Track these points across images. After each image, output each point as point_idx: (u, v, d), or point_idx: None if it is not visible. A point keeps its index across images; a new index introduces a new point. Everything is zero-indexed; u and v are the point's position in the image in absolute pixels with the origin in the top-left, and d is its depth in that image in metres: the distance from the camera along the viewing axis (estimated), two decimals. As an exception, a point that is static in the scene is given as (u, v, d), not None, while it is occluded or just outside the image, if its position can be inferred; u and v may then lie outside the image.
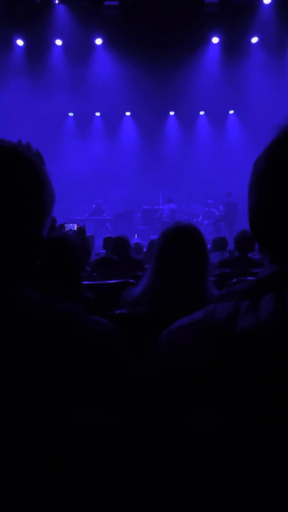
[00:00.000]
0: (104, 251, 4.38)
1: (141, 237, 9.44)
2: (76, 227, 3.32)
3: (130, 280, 2.19)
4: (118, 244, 2.95)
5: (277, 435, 0.41)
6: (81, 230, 3.15)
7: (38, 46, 9.97)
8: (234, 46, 10.09)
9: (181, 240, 1.29)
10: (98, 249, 5.89)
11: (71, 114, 11.57)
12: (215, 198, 10.52)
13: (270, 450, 0.41)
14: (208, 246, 4.61)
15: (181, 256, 1.28)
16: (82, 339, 0.56)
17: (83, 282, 2.13)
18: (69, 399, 0.53)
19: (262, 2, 9.26)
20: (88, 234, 5.91)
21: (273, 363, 0.42)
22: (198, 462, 0.43)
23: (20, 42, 10.10)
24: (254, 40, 10.26)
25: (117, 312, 1.31)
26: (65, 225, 3.48)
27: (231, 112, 11.67)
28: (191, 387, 0.49)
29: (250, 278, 2.35)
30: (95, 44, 10.40)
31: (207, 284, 1.31)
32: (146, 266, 3.43)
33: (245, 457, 0.41)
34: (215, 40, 10.30)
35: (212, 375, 0.46)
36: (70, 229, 3.37)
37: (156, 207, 10.48)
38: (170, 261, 1.29)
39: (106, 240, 4.11)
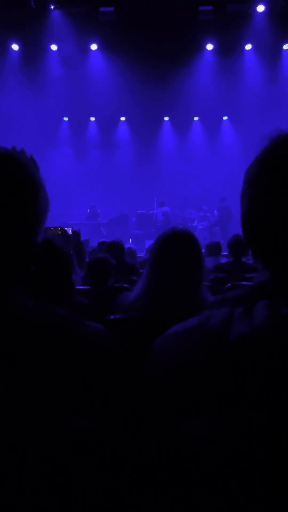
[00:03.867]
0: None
1: (135, 241, 9.44)
2: (70, 231, 3.31)
3: (125, 285, 2.19)
4: (112, 249, 2.95)
5: (272, 439, 0.41)
6: (76, 234, 3.13)
7: (33, 51, 9.99)
8: (228, 53, 10.20)
9: (177, 245, 1.30)
10: (93, 254, 5.86)
11: (66, 118, 11.59)
12: (209, 203, 10.58)
13: (265, 455, 0.41)
14: (202, 251, 4.62)
15: (177, 261, 1.28)
16: (78, 345, 0.56)
17: (77, 287, 2.12)
18: (65, 406, 0.53)
19: (256, 10, 9.38)
20: (82, 238, 5.90)
21: (268, 369, 0.43)
22: (193, 467, 0.43)
23: (15, 47, 10.12)
24: (248, 47, 10.38)
25: (112, 317, 1.31)
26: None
27: (225, 118, 11.77)
28: (186, 393, 0.49)
29: (244, 283, 2.36)
30: (90, 50, 10.46)
31: (202, 290, 1.31)
32: (141, 270, 3.43)
33: (240, 462, 0.42)
34: (209, 46, 10.40)
35: (207, 381, 0.46)
36: (62, 227, 3.34)
37: (151, 211, 10.51)
38: (165, 266, 1.30)
39: (101, 245, 4.10)
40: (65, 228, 3.39)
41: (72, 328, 0.57)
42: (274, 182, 0.53)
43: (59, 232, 2.94)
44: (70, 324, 0.57)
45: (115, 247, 2.96)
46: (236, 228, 9.44)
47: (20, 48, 10.13)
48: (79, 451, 0.50)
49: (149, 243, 7.69)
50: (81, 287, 2.14)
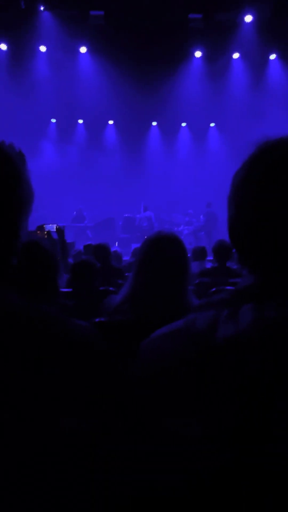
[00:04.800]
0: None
1: (122, 245, 9.43)
2: (55, 228, 3.29)
3: (110, 288, 2.19)
4: (98, 252, 2.94)
5: (258, 440, 0.42)
6: (60, 230, 3.12)
7: (22, 51, 9.93)
8: (216, 61, 10.35)
9: (163, 249, 1.30)
10: (78, 257, 5.83)
11: (53, 120, 11.54)
12: (195, 208, 10.66)
13: (252, 456, 0.42)
14: (188, 255, 4.66)
15: (162, 265, 1.29)
16: (64, 341, 0.55)
17: (62, 290, 2.11)
18: (51, 404, 0.52)
19: (244, 20, 9.56)
20: (68, 241, 5.86)
21: (254, 371, 0.43)
22: (181, 468, 0.43)
23: (3, 47, 10.03)
24: (236, 55, 10.56)
25: (97, 320, 1.31)
26: (44, 226, 3.43)
27: (212, 125, 11.91)
28: (173, 395, 0.49)
29: (228, 287, 2.39)
30: (80, 52, 10.45)
31: (187, 293, 1.32)
32: (126, 274, 3.43)
33: (228, 462, 0.42)
34: (198, 54, 10.53)
35: (193, 382, 0.47)
36: (49, 231, 3.33)
37: (137, 215, 10.53)
38: (151, 269, 1.30)
39: (87, 248, 4.08)
40: (50, 225, 3.37)
41: (58, 324, 0.56)
42: (260, 187, 0.54)
43: (46, 236, 2.92)
44: (56, 320, 0.57)
45: (101, 251, 2.95)
46: (221, 233, 9.54)
47: (8, 48, 10.05)
48: (66, 450, 0.49)
49: (135, 246, 7.69)
50: (65, 289, 2.13)
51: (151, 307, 1.27)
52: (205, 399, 0.45)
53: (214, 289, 2.36)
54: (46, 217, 9.59)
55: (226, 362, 0.44)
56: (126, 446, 0.51)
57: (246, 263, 0.57)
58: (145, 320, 1.26)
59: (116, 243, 9.75)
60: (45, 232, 2.97)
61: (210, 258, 4.63)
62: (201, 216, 10.29)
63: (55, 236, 3.32)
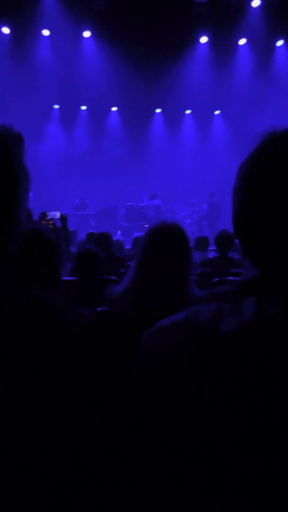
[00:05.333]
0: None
1: (124, 234, 9.41)
2: (58, 215, 3.26)
3: (112, 277, 2.19)
4: (101, 241, 2.93)
5: (260, 435, 0.42)
6: (64, 218, 3.11)
7: (25, 35, 9.76)
8: (222, 47, 10.15)
9: (166, 240, 1.30)
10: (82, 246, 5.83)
11: (56, 106, 11.41)
12: (198, 197, 10.60)
13: (254, 451, 0.42)
14: (191, 244, 4.64)
15: (165, 255, 1.29)
16: (64, 330, 0.55)
17: (64, 278, 2.11)
18: (49, 397, 0.52)
19: (251, 5, 9.34)
20: (70, 229, 5.84)
21: (255, 366, 0.43)
22: (181, 464, 0.44)
23: (6, 30, 9.87)
24: (242, 41, 10.36)
25: (99, 309, 1.31)
26: (47, 213, 3.41)
27: (217, 112, 11.75)
28: (174, 387, 0.49)
29: (230, 278, 2.39)
30: (83, 37, 10.27)
31: (189, 284, 1.32)
32: (129, 263, 3.43)
33: (229, 459, 0.42)
34: (203, 39, 10.34)
35: (195, 375, 0.47)
36: (52, 218, 3.31)
37: (140, 204, 10.48)
38: (153, 259, 1.30)
39: (89, 236, 4.08)
40: (53, 213, 3.34)
41: (57, 312, 0.55)
42: (266, 179, 0.54)
43: (51, 226, 2.90)
44: (55, 308, 0.56)
45: (103, 239, 2.94)
46: (224, 223, 9.49)
47: (11, 32, 9.88)
48: (65, 447, 0.50)
49: (137, 235, 7.67)
50: (68, 278, 2.13)
51: (153, 297, 1.27)
52: (206, 392, 0.45)
53: (216, 279, 2.36)
54: (48, 204, 9.58)
55: (228, 356, 0.44)
56: (126, 443, 0.52)
57: (250, 255, 0.57)
58: (147, 310, 1.26)
59: (119, 232, 9.74)
60: (51, 222, 2.95)
61: (212, 248, 4.62)
62: (204, 206, 10.23)
63: (58, 223, 3.31)
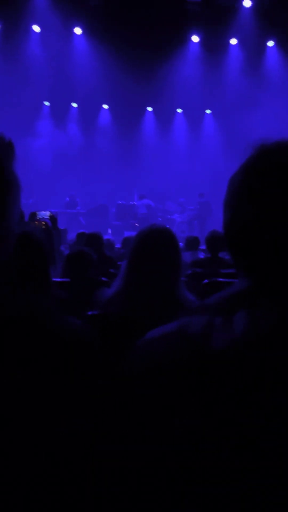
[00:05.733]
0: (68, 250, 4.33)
1: (114, 232, 9.39)
2: (48, 215, 3.25)
3: (103, 278, 2.18)
4: (91, 241, 2.92)
5: (255, 451, 0.42)
6: (53, 218, 3.09)
7: (15, 31, 9.64)
8: (213, 46, 10.18)
9: (155, 243, 1.30)
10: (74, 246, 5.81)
11: (47, 103, 11.31)
12: (188, 196, 10.62)
13: (244, 466, 0.42)
14: (181, 244, 4.66)
15: (155, 259, 1.29)
16: (58, 338, 0.55)
17: (54, 279, 2.10)
18: (39, 403, 0.52)
19: (242, 5, 9.39)
20: (61, 227, 5.81)
21: (247, 382, 0.44)
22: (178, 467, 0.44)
23: (-5, 25, 9.75)
24: (233, 41, 10.40)
25: (90, 313, 1.31)
26: (37, 213, 3.39)
27: (208, 111, 11.79)
28: (166, 400, 0.49)
29: (221, 279, 2.40)
30: (75, 34, 10.19)
31: (179, 287, 1.33)
32: (119, 263, 3.42)
33: (220, 473, 0.43)
34: (195, 39, 10.35)
35: (187, 389, 0.47)
36: (43, 217, 3.29)
37: (131, 202, 10.46)
38: (143, 263, 1.30)
39: (80, 236, 4.06)
40: (43, 213, 3.32)
41: (48, 320, 0.55)
42: (257, 192, 0.54)
43: (44, 226, 2.88)
44: (47, 315, 0.56)
45: (94, 240, 2.94)
46: (214, 223, 9.54)
47: (1, 27, 9.76)
48: (60, 452, 0.50)
49: (128, 234, 7.66)
50: (59, 279, 2.12)
51: (144, 301, 1.28)
52: (197, 406, 0.45)
53: (206, 280, 2.37)
54: (39, 202, 9.50)
55: (220, 372, 0.44)
56: (118, 447, 0.52)
57: (241, 266, 0.57)
58: (137, 313, 1.26)
59: (109, 230, 9.71)
60: (43, 223, 2.93)
61: (203, 247, 4.64)
62: (194, 205, 10.25)
63: (49, 223, 3.28)
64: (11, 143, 0.56)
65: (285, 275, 0.51)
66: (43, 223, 2.92)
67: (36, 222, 2.93)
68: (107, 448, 0.54)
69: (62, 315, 0.58)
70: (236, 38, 10.27)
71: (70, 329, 0.56)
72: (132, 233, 7.89)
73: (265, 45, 10.38)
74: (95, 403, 0.55)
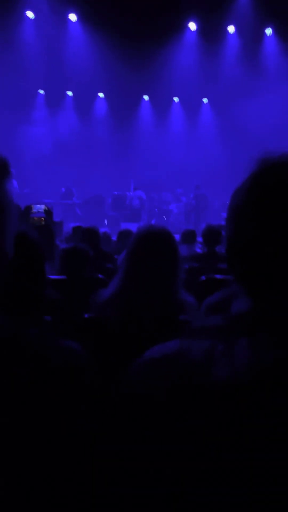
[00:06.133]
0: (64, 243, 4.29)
1: (111, 223, 9.35)
2: (43, 209, 3.21)
3: (99, 276, 2.16)
4: (87, 236, 2.89)
5: (255, 485, 0.41)
6: (49, 212, 3.05)
7: (8, 17, 9.42)
8: (211, 34, 10.02)
9: (153, 245, 1.28)
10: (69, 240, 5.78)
11: (41, 91, 11.13)
12: (185, 186, 10.57)
13: (245, 502, 0.41)
14: (178, 236, 4.64)
15: (153, 261, 1.27)
16: (49, 367, 0.54)
17: (50, 277, 2.08)
18: (31, 431, 0.51)
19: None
20: (56, 219, 5.75)
21: (246, 414, 0.42)
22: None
23: (-12, 11, 9.50)
24: (231, 29, 10.23)
25: (86, 316, 1.29)
26: (32, 206, 3.35)
27: (205, 100, 11.66)
28: (163, 426, 0.48)
29: (217, 276, 2.39)
30: (70, 20, 9.98)
31: (177, 289, 1.31)
32: (115, 256, 3.40)
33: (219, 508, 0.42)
34: (192, 26, 10.17)
35: (183, 418, 0.46)
36: (38, 211, 3.25)
37: (127, 193, 10.40)
38: (141, 265, 1.28)
39: (76, 229, 4.02)
40: (38, 206, 3.29)
41: (44, 351, 0.55)
42: (260, 210, 0.52)
43: (43, 222, 2.83)
44: (42, 347, 0.55)
45: (90, 236, 2.90)
46: (211, 214, 9.52)
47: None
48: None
49: (124, 225, 7.63)
50: (56, 276, 2.10)
51: (142, 304, 1.26)
52: (193, 436, 0.44)
53: (203, 277, 2.36)
54: (34, 193, 9.42)
55: (219, 403, 0.43)
56: (113, 474, 0.51)
57: (243, 285, 0.55)
58: (135, 317, 1.25)
59: (105, 221, 9.67)
60: (42, 219, 2.88)
61: (199, 239, 4.62)
62: (191, 196, 10.20)
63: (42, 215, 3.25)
64: (6, 164, 0.54)
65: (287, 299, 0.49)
66: (42, 219, 2.88)
67: (35, 219, 2.89)
68: (101, 474, 0.53)
69: (52, 338, 0.57)
70: (234, 26, 10.11)
71: (59, 354, 0.56)
72: (128, 225, 7.87)
73: (263, 33, 10.24)
74: (86, 428, 0.54)
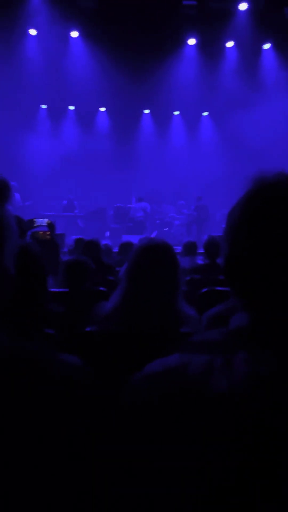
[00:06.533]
0: (67, 255, 4.29)
1: (113, 235, 9.38)
2: (46, 222, 3.22)
3: (101, 288, 2.17)
4: (89, 249, 2.91)
5: (257, 496, 0.42)
6: (51, 225, 3.07)
7: (11, 34, 9.62)
8: (210, 49, 10.20)
9: (154, 258, 1.29)
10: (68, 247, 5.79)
11: (44, 106, 11.31)
12: (186, 198, 10.64)
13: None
14: (179, 248, 4.66)
15: (153, 274, 1.28)
16: (50, 383, 0.55)
17: (52, 290, 2.09)
18: (36, 445, 0.52)
19: (238, 8, 9.41)
20: (59, 231, 5.78)
21: (244, 426, 0.43)
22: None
23: (-8, 29, 9.72)
24: (230, 44, 10.42)
25: (88, 329, 1.30)
26: (35, 220, 3.37)
27: (205, 114, 11.81)
28: (162, 438, 0.49)
29: (218, 288, 2.40)
30: (71, 37, 10.19)
31: (178, 302, 1.32)
32: (117, 269, 3.41)
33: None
34: (191, 41, 10.37)
35: (183, 431, 0.46)
36: (41, 224, 3.26)
37: (129, 205, 10.46)
38: (142, 278, 1.29)
39: (78, 242, 4.05)
40: (40, 219, 3.29)
41: (43, 366, 0.56)
42: (256, 227, 0.54)
43: (48, 237, 2.82)
44: (42, 362, 0.57)
45: (91, 247, 2.92)
46: (213, 226, 9.55)
47: (-3, 31, 9.73)
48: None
49: (126, 237, 7.66)
50: (57, 289, 2.11)
51: (143, 317, 1.27)
52: (193, 448, 0.45)
53: (205, 289, 2.37)
54: (36, 206, 9.49)
55: (219, 416, 0.44)
56: (114, 487, 0.52)
57: (241, 300, 0.57)
58: (136, 329, 1.26)
59: (108, 233, 9.70)
60: (47, 233, 2.87)
61: (201, 251, 4.63)
62: (192, 208, 10.25)
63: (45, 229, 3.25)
64: (6, 185, 0.57)
65: (285, 315, 0.50)
66: (48, 233, 2.87)
67: (40, 233, 2.89)
68: (99, 483, 0.53)
69: (52, 353, 0.59)
70: (233, 41, 10.30)
71: (58, 369, 0.57)
72: (129, 237, 7.90)
73: (261, 47, 10.41)
74: (85, 439, 0.55)
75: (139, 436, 0.51)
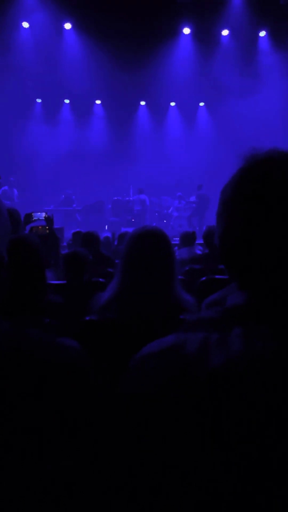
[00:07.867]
0: (67, 249, 4.27)
1: (112, 229, 9.37)
2: (44, 216, 3.21)
3: (100, 279, 2.17)
4: (87, 240, 2.90)
5: (255, 473, 0.42)
6: (49, 219, 3.06)
7: (4, 28, 9.52)
8: (205, 38, 10.10)
9: (148, 245, 1.28)
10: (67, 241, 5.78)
11: (39, 100, 11.22)
12: (184, 190, 10.60)
13: (248, 489, 0.42)
14: (177, 239, 4.63)
15: (148, 262, 1.27)
16: (50, 368, 0.55)
17: (51, 282, 2.09)
18: (38, 432, 0.52)
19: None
20: (57, 225, 5.78)
21: (241, 400, 0.43)
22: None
23: (-16, 23, 9.61)
24: (225, 32, 10.31)
25: (87, 318, 1.30)
26: (33, 214, 3.35)
27: (201, 104, 11.73)
28: (162, 417, 0.49)
29: (218, 276, 2.40)
30: (64, 29, 10.08)
31: (175, 289, 1.32)
32: (116, 261, 3.41)
33: (221, 493, 0.42)
34: (186, 31, 10.25)
35: (182, 407, 0.46)
36: (38, 218, 3.24)
37: (127, 198, 10.43)
38: (137, 266, 1.28)
39: (75, 235, 4.04)
40: (38, 213, 3.28)
41: (43, 350, 0.56)
42: (249, 203, 0.53)
43: (47, 231, 2.81)
44: (41, 346, 0.57)
45: (89, 239, 2.92)
46: (213, 215, 9.52)
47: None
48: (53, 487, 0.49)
49: (125, 230, 7.64)
50: (56, 281, 2.11)
51: (140, 305, 1.26)
52: (192, 426, 0.45)
53: (204, 278, 2.37)
54: (34, 201, 9.47)
55: (215, 392, 0.44)
56: (115, 469, 0.52)
57: (236, 279, 0.56)
58: (134, 318, 1.26)
59: (106, 226, 9.69)
60: (47, 227, 2.86)
61: (200, 241, 4.61)
62: (192, 198, 10.21)
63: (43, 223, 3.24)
64: None
65: (279, 291, 0.50)
66: (46, 227, 2.85)
67: (39, 228, 2.87)
68: (103, 471, 0.54)
69: (55, 340, 0.59)
70: (228, 29, 10.18)
71: (58, 353, 0.57)
72: (129, 229, 7.89)
73: (257, 35, 10.31)
74: (89, 426, 0.55)
75: (139, 416, 0.51)
